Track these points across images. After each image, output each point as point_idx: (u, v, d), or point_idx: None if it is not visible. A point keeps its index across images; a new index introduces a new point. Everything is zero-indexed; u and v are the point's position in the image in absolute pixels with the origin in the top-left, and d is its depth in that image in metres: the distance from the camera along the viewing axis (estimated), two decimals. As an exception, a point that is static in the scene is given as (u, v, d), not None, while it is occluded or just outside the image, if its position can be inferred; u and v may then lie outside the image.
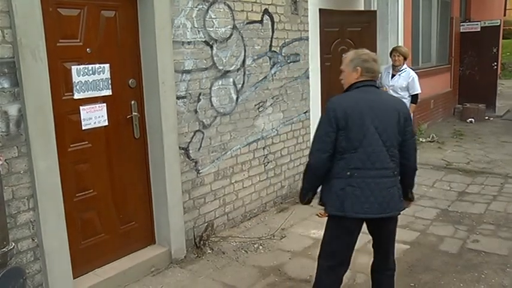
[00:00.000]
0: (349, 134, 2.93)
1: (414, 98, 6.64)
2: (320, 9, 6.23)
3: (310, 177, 3.15)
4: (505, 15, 17.47)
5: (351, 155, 2.94)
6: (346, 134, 2.93)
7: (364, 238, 4.93)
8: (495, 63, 12.31)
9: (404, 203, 3.15)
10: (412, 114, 6.19)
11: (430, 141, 9.38)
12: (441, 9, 11.67)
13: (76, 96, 3.75)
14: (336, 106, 2.99)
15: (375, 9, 7.72)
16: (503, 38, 15.61)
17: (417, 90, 6.63)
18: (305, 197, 3.25)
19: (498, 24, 12.51)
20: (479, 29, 12.38)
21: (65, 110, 3.69)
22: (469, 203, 5.87)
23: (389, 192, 2.97)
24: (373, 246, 3.29)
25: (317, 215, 5.53)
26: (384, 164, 2.95)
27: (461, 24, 12.72)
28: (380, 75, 6.57)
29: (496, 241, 4.77)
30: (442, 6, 11.69)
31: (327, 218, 3.21)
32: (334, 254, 3.14)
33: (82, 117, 3.80)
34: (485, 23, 12.45)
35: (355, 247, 3.14)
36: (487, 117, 11.67)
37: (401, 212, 3.09)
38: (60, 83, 3.64)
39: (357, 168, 2.93)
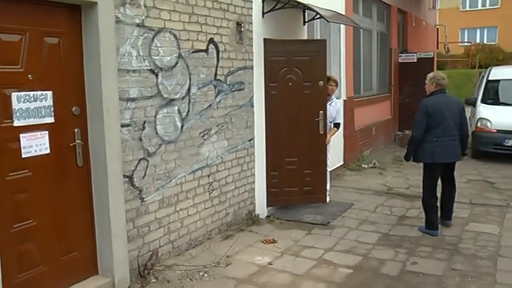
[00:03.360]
0: (434, 119, 5.59)
1: (338, 125, 7.27)
2: (265, 39, 6.39)
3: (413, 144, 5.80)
4: (437, 48, 18.47)
5: (436, 130, 5.60)
6: (433, 119, 5.59)
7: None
8: (431, 92, 12.91)
9: (461, 156, 5.90)
10: (331, 139, 7.02)
11: (372, 167, 9.68)
12: (381, 41, 12.20)
13: (16, 123, 3.67)
14: (426, 104, 5.68)
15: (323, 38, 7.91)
16: (437, 69, 16.47)
17: (341, 119, 7.57)
18: (409, 157, 5.93)
19: (432, 56, 13.27)
20: (415, 60, 13.04)
21: (4, 138, 3.60)
22: (409, 227, 6.09)
23: (454, 148, 5.72)
24: (442, 180, 6.01)
25: (262, 241, 5.58)
26: (452, 133, 5.66)
27: (400, 55, 13.34)
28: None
29: (433, 262, 4.98)
30: (381, 38, 12.23)
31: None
32: (428, 187, 5.81)
33: (22, 145, 3.72)
34: (420, 54, 13.15)
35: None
36: (424, 144, 12.15)
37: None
38: (-1, 109, 3.56)
39: (439, 137, 5.61)
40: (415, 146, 5.74)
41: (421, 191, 5.96)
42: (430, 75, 5.93)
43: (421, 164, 5.90)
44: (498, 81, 11.30)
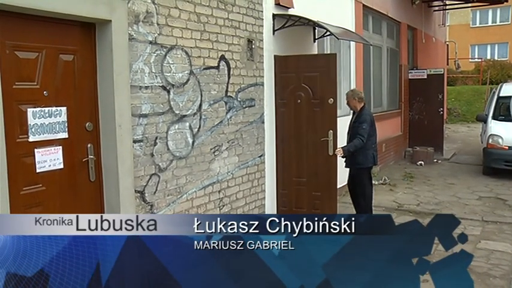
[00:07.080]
0: (373, 128, 6.39)
1: None
2: (275, 56, 6.44)
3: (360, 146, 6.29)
4: (447, 64, 18.47)
5: (373, 137, 6.42)
6: (372, 128, 6.38)
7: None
8: (441, 109, 12.92)
9: None
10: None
11: (382, 184, 9.64)
12: (390, 57, 12.23)
13: (31, 138, 3.73)
14: (370, 115, 6.43)
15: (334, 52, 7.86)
16: (447, 85, 16.47)
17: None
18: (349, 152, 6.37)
19: (442, 72, 13.26)
20: (425, 76, 13.01)
21: (19, 153, 3.65)
22: (419, 244, 6.04)
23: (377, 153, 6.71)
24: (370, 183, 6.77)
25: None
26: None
27: (410, 71, 13.33)
28: None
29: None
30: (391, 55, 12.26)
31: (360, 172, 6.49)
32: (370, 188, 6.69)
33: (36, 160, 3.77)
34: (430, 70, 13.13)
35: None
36: (435, 160, 12.13)
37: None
38: (15, 125, 3.63)
39: (375, 143, 6.49)
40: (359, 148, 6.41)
41: (361, 190, 6.62)
42: (359, 94, 6.53)
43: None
44: (509, 97, 11.24)
